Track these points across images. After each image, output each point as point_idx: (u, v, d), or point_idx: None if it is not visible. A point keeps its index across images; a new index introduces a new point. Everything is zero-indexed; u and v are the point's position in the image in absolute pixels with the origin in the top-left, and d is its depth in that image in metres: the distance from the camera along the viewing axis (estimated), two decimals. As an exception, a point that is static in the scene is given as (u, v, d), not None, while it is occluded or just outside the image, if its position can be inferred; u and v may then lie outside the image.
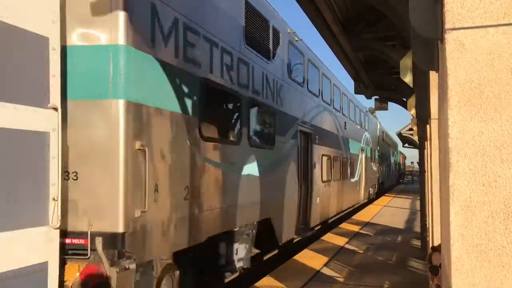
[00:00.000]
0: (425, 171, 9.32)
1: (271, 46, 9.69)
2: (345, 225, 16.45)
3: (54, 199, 4.22)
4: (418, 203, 18.80)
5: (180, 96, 5.95)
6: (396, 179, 52.89)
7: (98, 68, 4.86)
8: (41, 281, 4.04)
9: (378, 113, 40.38)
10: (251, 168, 8.52)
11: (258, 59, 8.92)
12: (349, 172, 19.50)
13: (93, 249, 4.71)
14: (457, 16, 1.70)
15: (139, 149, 4.99)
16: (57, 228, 4.25)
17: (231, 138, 7.96)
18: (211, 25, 6.86)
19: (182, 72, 6.03)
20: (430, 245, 6.30)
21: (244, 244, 8.35)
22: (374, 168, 28.74)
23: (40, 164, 4.16)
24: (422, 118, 7.22)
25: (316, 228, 14.22)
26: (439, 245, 3.46)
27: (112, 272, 4.65)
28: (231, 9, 7.86)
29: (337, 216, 18.52)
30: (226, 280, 8.49)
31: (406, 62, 6.30)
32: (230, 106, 8.30)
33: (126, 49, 4.87)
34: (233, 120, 8.25)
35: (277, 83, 10.16)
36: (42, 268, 4.06)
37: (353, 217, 19.23)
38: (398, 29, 7.97)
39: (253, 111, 8.81)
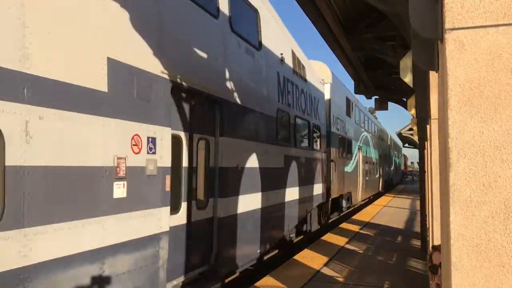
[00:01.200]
0: (425, 171, 9.32)
1: (351, 111, 22.07)
2: (345, 225, 16.45)
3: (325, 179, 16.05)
4: (418, 203, 18.80)
5: (335, 143, 18.30)
6: (400, 177, 65.50)
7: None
8: (323, 199, 15.67)
9: (378, 113, 42.91)
10: (346, 168, 20.55)
11: (349, 119, 21.43)
12: (374, 171, 31.45)
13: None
14: (457, 16, 1.70)
15: (331, 161, 17.42)
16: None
17: (338, 156, 18.73)
18: (340, 113, 19.26)
19: (337, 135, 18.69)
20: (431, 245, 6.30)
21: (346, 201, 20.56)
22: (386, 168, 41.63)
23: (325, 169, 15.99)
24: (422, 118, 7.22)
25: (361, 203, 26.33)
26: (440, 245, 3.46)
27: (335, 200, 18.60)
28: (343, 104, 20.13)
29: (366, 199, 28.74)
30: (226, 280, 8.50)
31: (406, 62, 6.30)
32: (344, 143, 20.11)
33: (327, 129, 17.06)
34: (343, 149, 19.98)
35: (353, 127, 22.82)
36: (323, 194, 15.49)
37: (353, 217, 19.24)
38: (398, 29, 7.95)
39: (348, 143, 21.15)
